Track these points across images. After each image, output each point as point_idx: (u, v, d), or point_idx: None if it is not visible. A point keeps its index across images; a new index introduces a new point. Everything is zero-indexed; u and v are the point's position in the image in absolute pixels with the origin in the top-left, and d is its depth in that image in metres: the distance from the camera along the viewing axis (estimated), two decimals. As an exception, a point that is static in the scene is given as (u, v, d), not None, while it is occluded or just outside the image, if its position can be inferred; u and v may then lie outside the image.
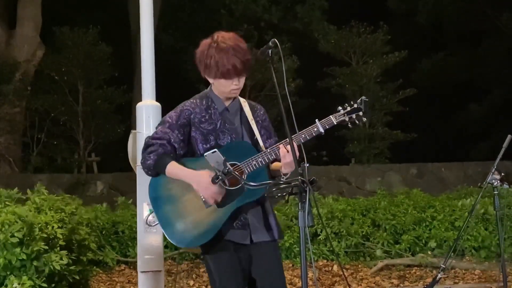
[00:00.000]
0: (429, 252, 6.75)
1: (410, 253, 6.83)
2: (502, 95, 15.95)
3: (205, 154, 2.61)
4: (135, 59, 12.95)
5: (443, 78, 16.63)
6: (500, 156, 4.37)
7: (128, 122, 12.34)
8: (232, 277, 2.70)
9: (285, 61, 11.01)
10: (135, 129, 4.38)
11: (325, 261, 6.78)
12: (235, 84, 2.75)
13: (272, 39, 2.67)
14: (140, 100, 4.41)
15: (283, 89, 2.65)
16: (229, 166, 2.58)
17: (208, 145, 2.76)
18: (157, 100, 4.43)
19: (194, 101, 2.84)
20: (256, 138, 2.82)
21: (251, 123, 2.83)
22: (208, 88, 2.88)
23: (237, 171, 2.65)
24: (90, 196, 10.31)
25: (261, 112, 2.94)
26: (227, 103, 2.85)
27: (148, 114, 4.31)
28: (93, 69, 12.40)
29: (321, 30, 14.55)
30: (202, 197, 2.68)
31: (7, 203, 4.23)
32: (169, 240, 2.73)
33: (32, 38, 11.90)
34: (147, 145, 2.78)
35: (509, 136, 4.38)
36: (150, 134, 2.91)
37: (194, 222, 2.68)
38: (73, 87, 12.35)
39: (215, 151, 2.59)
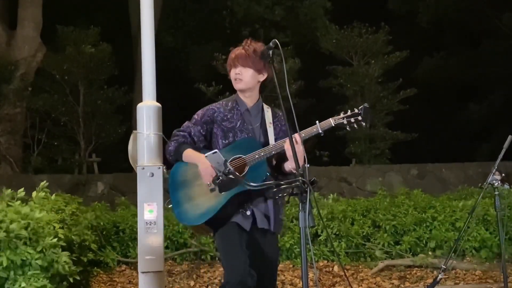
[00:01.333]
0: (430, 253, 6.75)
1: (411, 253, 6.83)
2: (503, 95, 15.96)
3: (205, 154, 2.74)
4: (135, 59, 12.98)
5: (443, 78, 16.63)
6: (500, 156, 4.37)
7: (129, 122, 12.34)
8: (237, 248, 3.01)
9: (286, 62, 11.01)
10: (135, 129, 4.38)
11: (326, 261, 6.78)
12: (236, 73, 3.15)
13: (273, 40, 2.71)
14: (141, 101, 4.41)
15: (284, 89, 2.69)
16: (229, 166, 2.76)
17: (226, 141, 3.14)
18: (157, 100, 4.43)
19: (222, 102, 3.28)
20: (269, 140, 3.12)
21: (268, 126, 3.16)
22: (236, 93, 3.27)
23: (241, 163, 2.98)
24: (91, 196, 10.30)
25: (282, 118, 3.25)
26: (249, 105, 3.22)
27: (148, 115, 4.31)
28: (94, 70, 12.39)
29: (323, 28, 14.55)
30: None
31: (9, 203, 4.22)
32: (177, 219, 3.19)
33: (33, 38, 11.89)
34: (173, 136, 3.24)
35: (509, 136, 4.38)
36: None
37: (197, 204, 3.08)
38: (73, 87, 12.35)
39: (215, 152, 2.72)
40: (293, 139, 2.77)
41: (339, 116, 3.00)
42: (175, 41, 16.09)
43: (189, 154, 3.13)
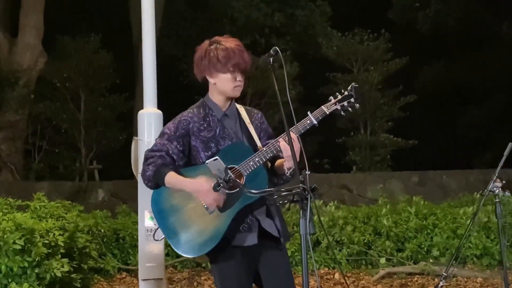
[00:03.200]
0: (431, 260, 6.73)
1: (412, 261, 6.81)
2: (504, 102, 15.96)
3: (206, 161, 2.64)
4: (136, 66, 12.99)
5: (444, 85, 16.64)
6: (501, 163, 4.36)
7: (130, 129, 12.36)
8: (233, 283, 2.73)
9: (286, 68, 11.01)
10: (136, 136, 4.39)
11: (327, 269, 6.76)
12: (238, 80, 2.80)
13: (274, 47, 2.69)
14: (142, 108, 4.43)
15: (285, 96, 2.67)
16: (230, 173, 2.60)
17: (209, 153, 2.76)
18: (158, 107, 4.45)
19: (192, 110, 2.87)
20: (255, 142, 2.82)
21: (248, 126, 2.85)
22: (205, 97, 2.91)
23: (235, 174, 2.67)
24: (92, 203, 10.30)
25: (259, 116, 2.97)
26: (224, 109, 2.86)
27: (149, 122, 4.33)
28: (95, 77, 12.43)
29: (324, 34, 14.59)
30: (203, 204, 2.69)
31: (4, 210, 4.23)
32: (176, 251, 2.74)
33: (34, 46, 11.93)
34: (146, 158, 2.79)
35: (510, 143, 4.36)
36: (152, 141, 2.93)
37: (198, 230, 2.69)
38: (75, 94, 12.39)
39: (216, 159, 2.62)
40: (290, 138, 2.60)
41: (331, 102, 2.78)
42: (176, 49, 16.12)
43: (175, 180, 2.70)
